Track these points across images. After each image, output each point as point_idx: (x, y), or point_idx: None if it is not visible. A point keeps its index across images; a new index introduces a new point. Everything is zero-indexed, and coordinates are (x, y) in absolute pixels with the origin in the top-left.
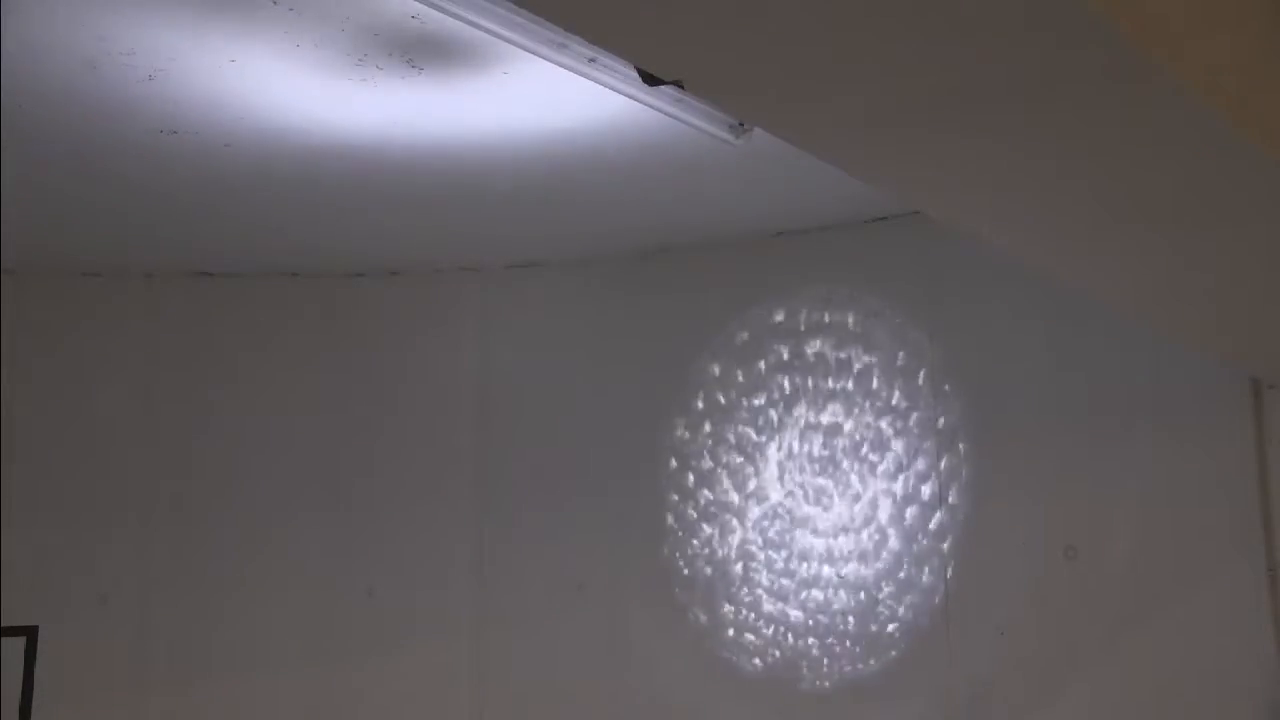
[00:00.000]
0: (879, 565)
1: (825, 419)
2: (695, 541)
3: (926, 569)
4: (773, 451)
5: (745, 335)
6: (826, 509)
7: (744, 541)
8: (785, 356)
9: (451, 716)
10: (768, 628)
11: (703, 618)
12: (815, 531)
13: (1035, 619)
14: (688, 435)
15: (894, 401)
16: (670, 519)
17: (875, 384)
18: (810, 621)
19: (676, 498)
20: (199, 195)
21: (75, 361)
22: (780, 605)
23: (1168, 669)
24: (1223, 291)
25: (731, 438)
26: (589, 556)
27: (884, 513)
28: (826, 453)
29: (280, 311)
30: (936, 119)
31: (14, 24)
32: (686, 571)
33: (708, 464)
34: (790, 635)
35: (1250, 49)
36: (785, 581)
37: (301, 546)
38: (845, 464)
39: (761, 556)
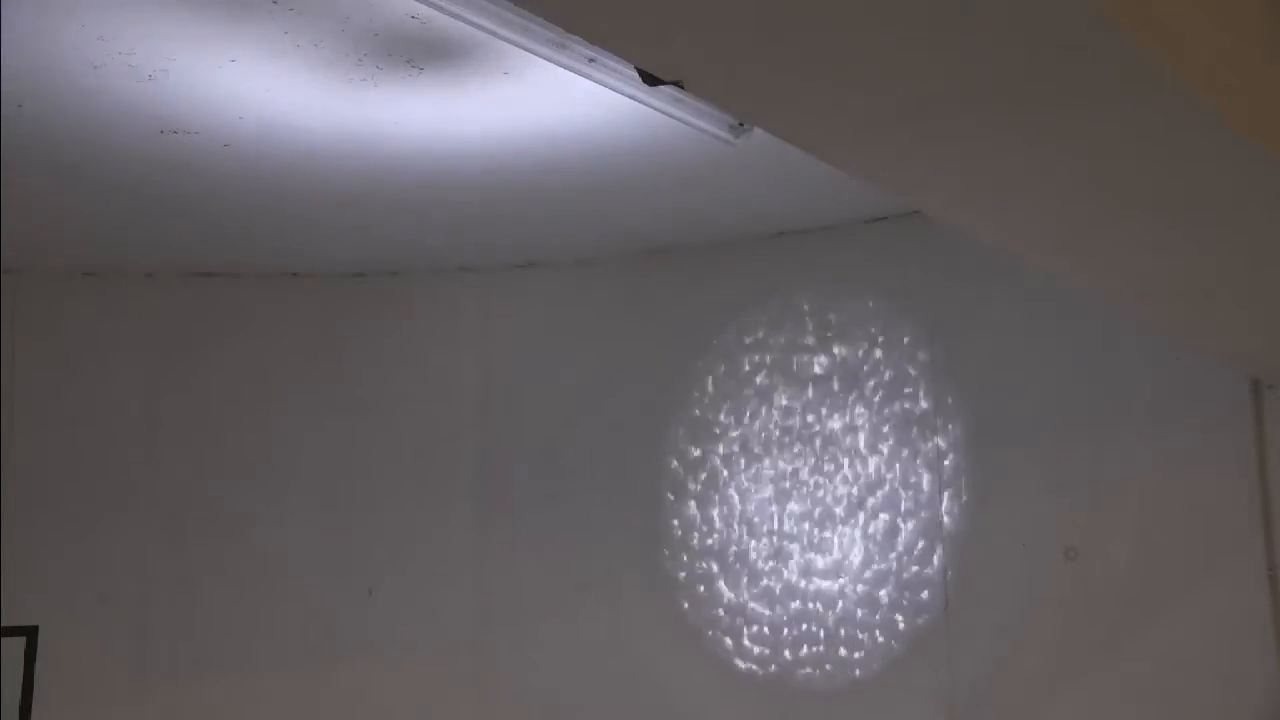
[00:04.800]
0: (879, 565)
1: (825, 419)
2: (695, 541)
3: (927, 569)
4: (772, 451)
5: (745, 335)
6: (826, 508)
7: (744, 541)
8: (785, 356)
9: (451, 716)
10: (768, 627)
11: (703, 618)
12: (815, 531)
13: (1035, 619)
14: (688, 435)
15: (894, 401)
16: (670, 518)
17: (875, 384)
18: (810, 621)
19: (677, 497)
20: (199, 195)
21: (75, 361)
22: (780, 605)
23: (1167, 670)
24: (1222, 291)
25: (731, 437)
26: (589, 556)
27: (884, 512)
28: (826, 452)
29: (280, 311)
30: (936, 119)
31: (14, 24)
32: (687, 571)
33: (708, 463)
34: (791, 635)
35: (1250, 49)
36: (785, 581)
37: (301, 546)
38: (845, 463)
39: (762, 556)
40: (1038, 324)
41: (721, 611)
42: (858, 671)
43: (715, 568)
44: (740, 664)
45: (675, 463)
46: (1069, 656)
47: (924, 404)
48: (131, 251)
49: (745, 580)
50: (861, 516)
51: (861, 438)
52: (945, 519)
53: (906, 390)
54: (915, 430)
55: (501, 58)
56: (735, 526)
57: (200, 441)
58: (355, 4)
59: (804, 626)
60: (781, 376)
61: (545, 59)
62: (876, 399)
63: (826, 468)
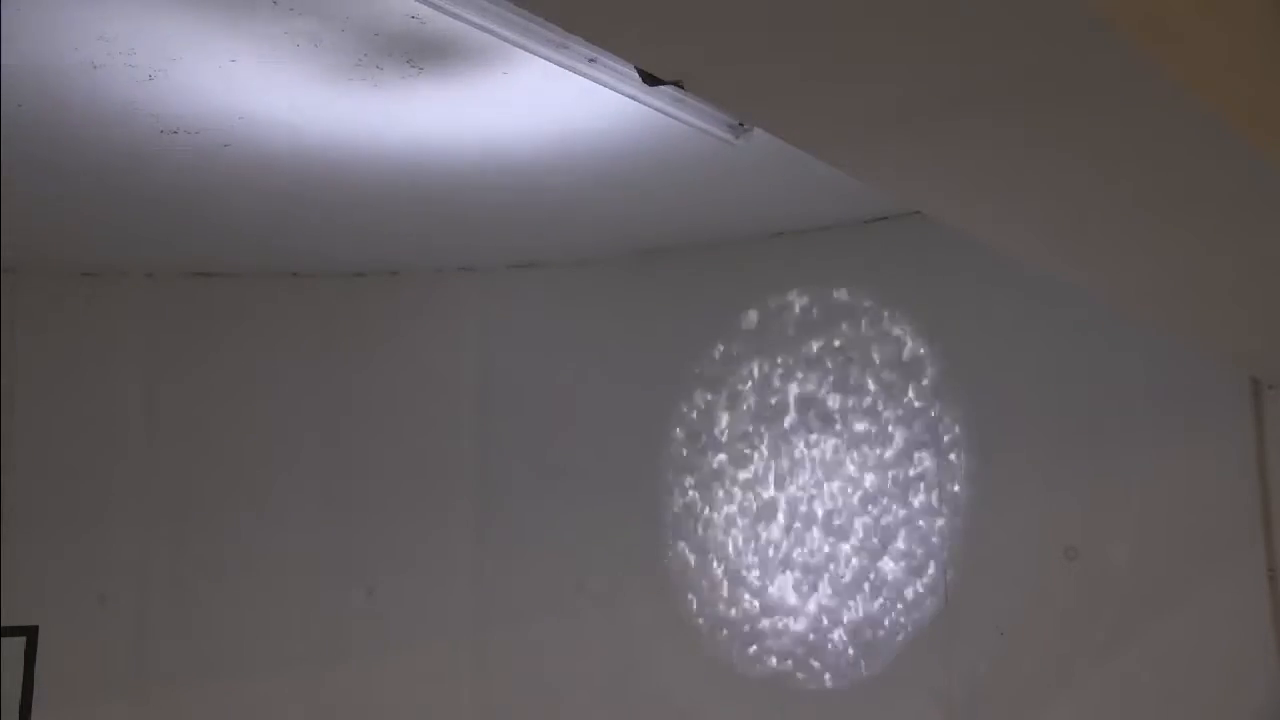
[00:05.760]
0: (879, 565)
1: (825, 418)
2: (695, 540)
3: (926, 569)
4: (772, 451)
5: (745, 335)
6: (826, 508)
7: (744, 540)
8: (785, 356)
9: (451, 716)
10: (768, 627)
11: (702, 617)
12: (815, 531)
13: (1035, 619)
14: (687, 435)
15: (894, 401)
16: (670, 518)
17: (875, 384)
18: (810, 621)
19: (676, 497)
20: (199, 195)
21: (75, 361)
22: (780, 603)
23: (1168, 670)
24: (1222, 291)
25: (731, 437)
26: (589, 556)
27: (884, 512)
28: (826, 452)
29: (280, 311)
30: (936, 119)
31: (14, 24)
32: (686, 571)
33: (707, 463)
34: (790, 635)
35: (1250, 49)
36: (785, 580)
37: (301, 546)
38: (845, 463)
39: (761, 554)
40: (1038, 324)
41: (721, 610)
42: (857, 671)
43: (715, 567)
44: (740, 663)
45: (675, 462)
46: (1069, 656)
47: (924, 403)
48: (131, 251)
49: (745, 579)
50: (861, 515)
51: (861, 437)
52: (945, 518)
53: (906, 390)
54: (915, 430)
55: (501, 58)
56: (735, 526)
57: (200, 441)
58: (355, 4)
59: (804, 625)
60: (781, 376)
61: (545, 59)
62: (876, 399)
63: (826, 467)
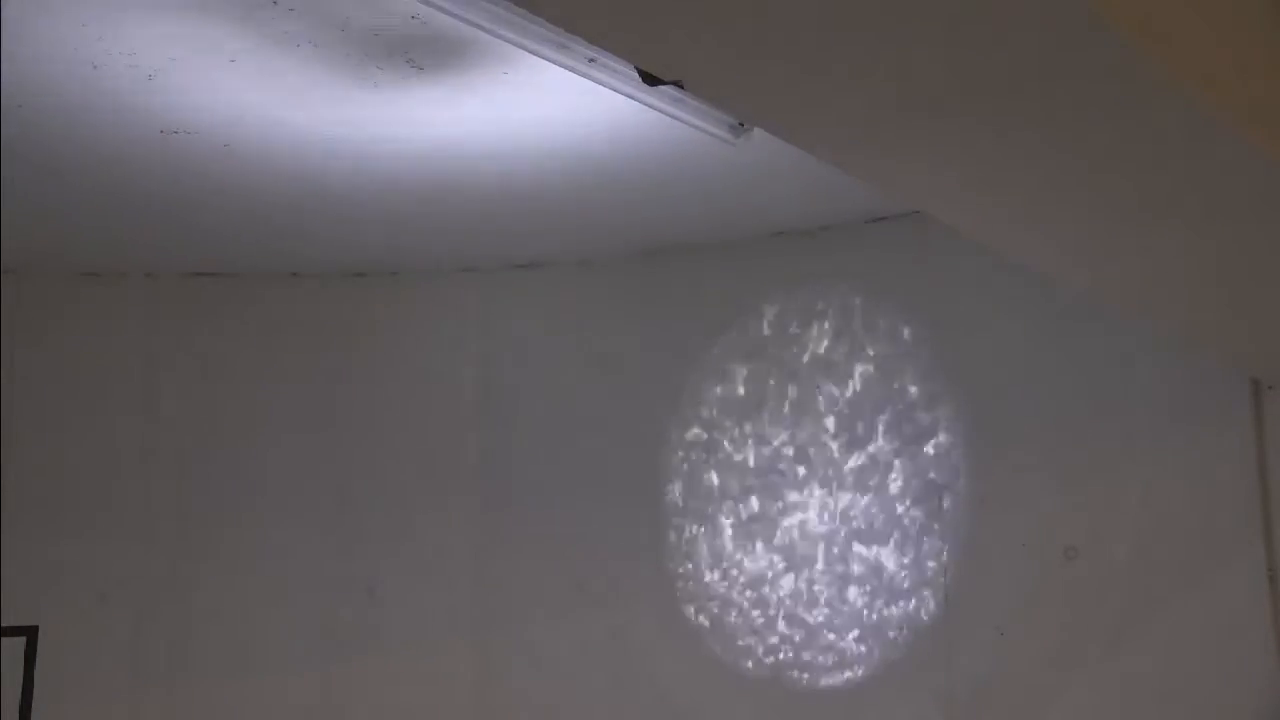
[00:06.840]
0: (879, 565)
1: (824, 419)
2: (695, 540)
3: (926, 569)
4: (772, 451)
5: (745, 336)
6: (826, 508)
7: (744, 541)
8: (785, 357)
9: (451, 716)
10: (768, 627)
11: (702, 617)
12: (815, 531)
13: (1035, 619)
14: (687, 435)
15: (893, 401)
16: (670, 518)
17: (875, 384)
18: (810, 621)
19: (677, 497)
20: (199, 195)
21: (75, 361)
22: (780, 605)
23: (1167, 670)
24: (1223, 291)
25: (731, 438)
26: (589, 556)
27: (884, 512)
28: (826, 452)
29: (280, 311)
30: (936, 119)
31: (14, 24)
32: (686, 571)
33: (708, 463)
34: (790, 635)
35: (1250, 49)
36: (785, 581)
37: (301, 546)
38: (845, 464)
39: (762, 555)
40: (1038, 324)
41: (721, 610)
42: (858, 671)
43: (714, 566)
44: (740, 663)
45: (675, 462)
46: (1069, 656)
47: (923, 403)
48: (131, 251)
49: (745, 580)
50: (861, 514)
51: (861, 437)
52: (945, 518)
53: (906, 389)
54: (915, 430)
55: (501, 58)
56: (735, 526)
57: (200, 441)
58: (355, 4)
59: (804, 626)
60: (781, 376)
61: (545, 59)
62: (877, 399)
63: (826, 467)
